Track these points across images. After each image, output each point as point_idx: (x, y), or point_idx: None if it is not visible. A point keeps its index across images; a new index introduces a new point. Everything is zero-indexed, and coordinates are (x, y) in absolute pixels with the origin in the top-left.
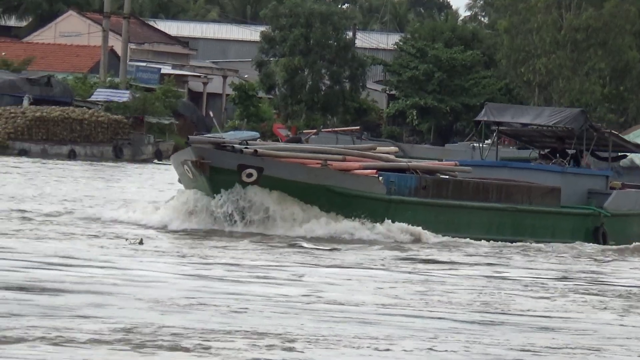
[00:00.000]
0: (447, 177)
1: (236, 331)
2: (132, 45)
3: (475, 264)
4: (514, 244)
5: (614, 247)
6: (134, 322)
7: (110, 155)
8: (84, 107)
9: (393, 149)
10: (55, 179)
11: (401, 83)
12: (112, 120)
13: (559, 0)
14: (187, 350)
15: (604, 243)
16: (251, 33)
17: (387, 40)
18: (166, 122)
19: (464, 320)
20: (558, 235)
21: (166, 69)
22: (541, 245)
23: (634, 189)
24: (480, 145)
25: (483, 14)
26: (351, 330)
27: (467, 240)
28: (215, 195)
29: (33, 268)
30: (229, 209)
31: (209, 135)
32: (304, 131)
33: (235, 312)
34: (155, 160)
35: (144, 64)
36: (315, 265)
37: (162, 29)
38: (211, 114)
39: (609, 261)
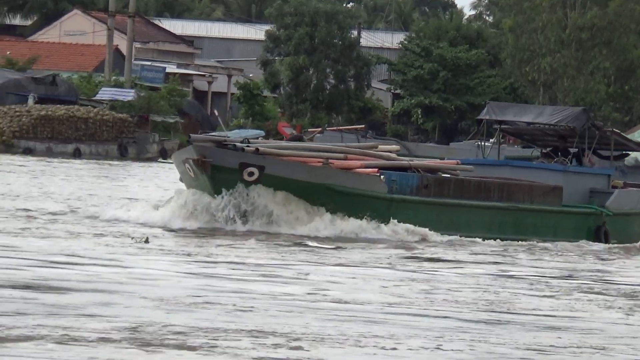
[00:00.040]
0: (448, 175)
1: (242, 330)
2: (137, 44)
3: (481, 263)
4: (519, 242)
5: (620, 245)
6: (139, 321)
7: (115, 153)
8: (89, 106)
9: (394, 147)
10: (61, 178)
11: (406, 82)
12: (117, 119)
13: (563, 0)
14: (193, 349)
15: (606, 242)
16: (256, 32)
17: (391, 39)
18: (171, 120)
19: (470, 320)
20: (560, 235)
21: (171, 68)
22: (547, 244)
23: (636, 188)
24: (483, 143)
25: (488, 13)
26: (357, 329)
27: (467, 238)
28: (216, 195)
29: (39, 267)
30: (231, 213)
31: (214, 134)
32: (309, 130)
33: (241, 310)
34: (160, 159)
35: (148, 62)
36: (320, 263)
37: (167, 27)
38: (216, 112)
39: (613, 260)
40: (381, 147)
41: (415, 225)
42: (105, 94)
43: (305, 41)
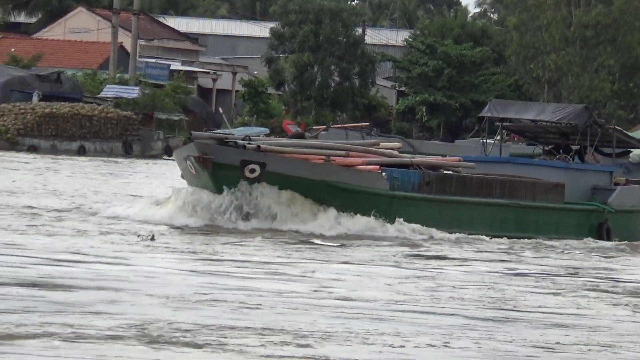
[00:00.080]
0: (450, 172)
1: (249, 327)
2: (141, 42)
3: (486, 260)
4: (521, 239)
5: (625, 243)
6: (146, 319)
7: (119, 151)
8: (94, 103)
9: (396, 144)
10: (66, 175)
11: (411, 79)
12: (122, 116)
13: None
14: (200, 346)
15: (608, 239)
16: (261, 29)
17: (396, 37)
18: (176, 118)
19: (477, 317)
20: (562, 232)
21: (176, 65)
22: (553, 242)
23: (638, 185)
24: (485, 141)
25: (492, 10)
26: (364, 327)
27: (469, 236)
28: (218, 192)
29: (45, 264)
30: (233, 216)
31: (218, 131)
32: (314, 127)
33: (248, 308)
34: (165, 156)
35: (153, 60)
36: (326, 261)
37: (171, 25)
38: (220, 110)
39: (618, 257)
40: (383, 144)
41: (417, 222)
42: (110, 91)
43: (310, 39)
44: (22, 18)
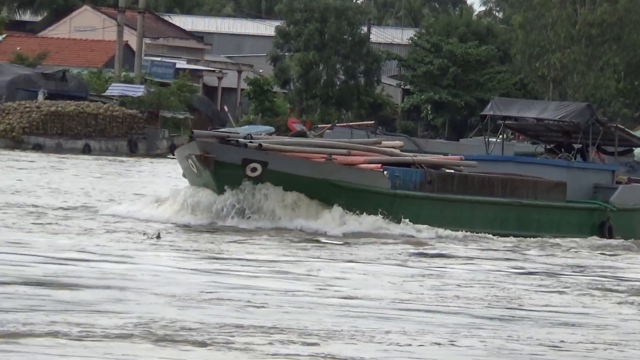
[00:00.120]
0: (452, 171)
1: (255, 326)
2: (147, 40)
3: (491, 259)
4: (529, 239)
5: (631, 241)
6: (152, 317)
7: (125, 149)
8: (99, 102)
9: (398, 143)
10: (71, 174)
11: (416, 78)
12: (127, 114)
13: None
14: (207, 345)
15: (610, 238)
16: (266, 28)
17: (401, 35)
18: (181, 116)
19: (483, 316)
20: (564, 230)
21: (181, 64)
22: (558, 240)
23: None
24: (487, 139)
25: (497, 9)
26: (370, 325)
27: (472, 234)
28: (220, 192)
29: (50, 263)
30: (234, 221)
31: (224, 129)
32: (319, 126)
33: (254, 307)
34: (170, 155)
35: (158, 58)
36: (331, 260)
37: (177, 23)
38: (226, 108)
39: (623, 256)
40: (384, 142)
41: (418, 220)
42: (115, 89)
43: (315, 37)
44: (27, 16)
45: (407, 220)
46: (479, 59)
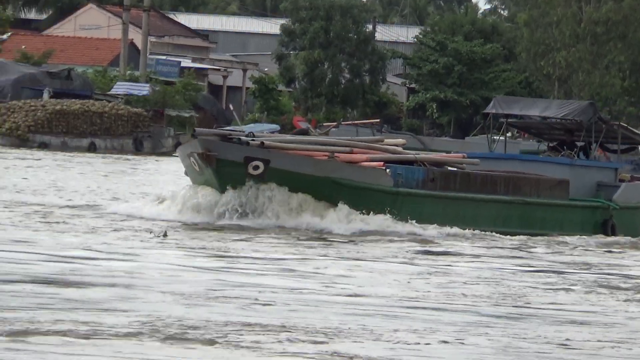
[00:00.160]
0: (454, 169)
1: (262, 324)
2: (152, 39)
3: (497, 257)
4: (535, 237)
5: (634, 239)
6: (159, 315)
7: (130, 148)
8: (104, 100)
9: (400, 141)
10: (76, 172)
11: (421, 76)
12: (132, 113)
13: None
14: (214, 343)
15: (613, 235)
16: (271, 26)
17: (407, 34)
18: (186, 115)
19: (491, 314)
20: (567, 228)
21: (186, 62)
22: (563, 237)
23: None
24: (490, 137)
25: (503, 7)
26: (377, 324)
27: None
28: (222, 190)
29: (58, 262)
30: (239, 220)
31: (229, 128)
32: (324, 124)
33: (261, 305)
34: (175, 153)
35: (164, 57)
36: (338, 258)
37: (182, 22)
38: (231, 107)
39: (629, 254)
40: (387, 140)
41: (421, 218)
42: (121, 88)
43: (320, 35)
44: (32, 15)
45: (409, 218)
46: (484, 57)
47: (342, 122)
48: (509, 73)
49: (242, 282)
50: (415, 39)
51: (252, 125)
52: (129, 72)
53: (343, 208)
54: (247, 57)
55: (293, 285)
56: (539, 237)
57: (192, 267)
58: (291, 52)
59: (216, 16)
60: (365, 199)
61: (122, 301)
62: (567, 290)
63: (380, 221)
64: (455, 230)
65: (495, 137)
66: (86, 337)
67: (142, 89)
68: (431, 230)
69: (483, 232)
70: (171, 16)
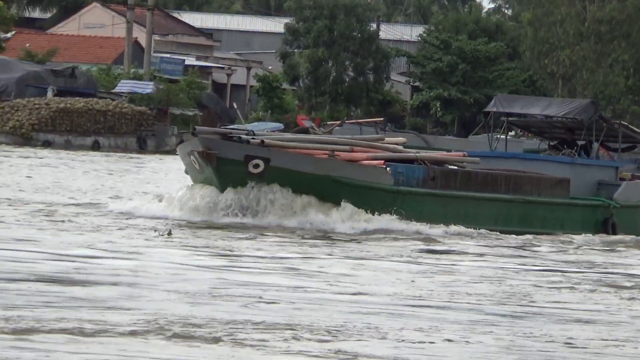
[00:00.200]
0: (455, 168)
1: (266, 323)
2: (156, 37)
3: (501, 256)
4: (537, 236)
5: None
6: (164, 314)
7: (134, 146)
8: (108, 99)
9: (401, 139)
10: (80, 171)
11: (425, 75)
12: (136, 111)
13: None
14: (218, 341)
15: (614, 234)
16: (275, 25)
17: (411, 32)
18: (190, 113)
19: (495, 313)
20: (567, 227)
21: (190, 61)
22: (565, 236)
23: None
24: (491, 135)
25: (507, 6)
26: (382, 322)
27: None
28: (222, 188)
29: (62, 260)
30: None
31: (233, 126)
32: (328, 122)
33: (265, 303)
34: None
35: (168, 55)
36: (342, 257)
37: (186, 20)
38: (235, 105)
39: (632, 253)
40: (387, 139)
41: (421, 217)
42: (124, 86)
43: (324, 34)
44: (36, 13)
45: (410, 217)
46: (488, 55)
47: (346, 121)
48: (513, 71)
49: (246, 280)
50: (419, 38)
51: (255, 123)
52: (133, 70)
53: (347, 207)
54: (251, 55)
55: (297, 284)
56: (543, 236)
57: (197, 266)
58: (295, 51)
59: (220, 15)
60: (365, 197)
61: (126, 299)
62: (571, 288)
63: (384, 220)
64: (459, 228)
65: (497, 136)
66: (91, 335)
67: (146, 87)
68: (435, 228)
69: (484, 231)
70: (175, 15)
